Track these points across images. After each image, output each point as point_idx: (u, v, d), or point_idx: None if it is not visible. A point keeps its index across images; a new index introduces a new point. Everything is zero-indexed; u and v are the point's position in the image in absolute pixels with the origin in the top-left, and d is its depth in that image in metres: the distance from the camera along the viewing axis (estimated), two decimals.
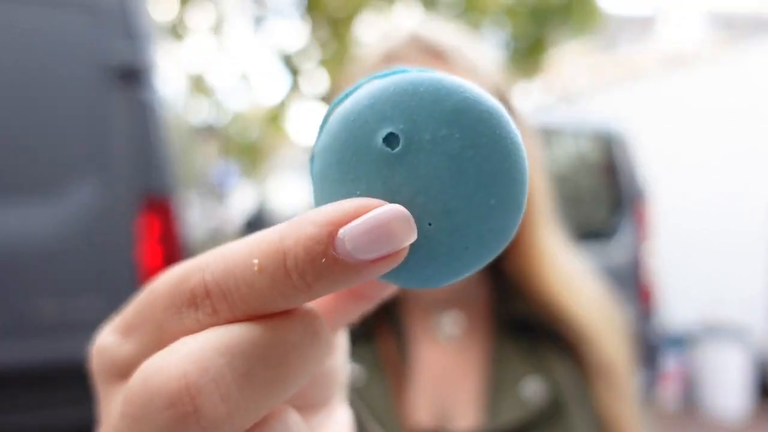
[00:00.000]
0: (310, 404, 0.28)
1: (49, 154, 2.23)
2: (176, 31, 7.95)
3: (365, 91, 0.22)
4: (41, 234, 2.19)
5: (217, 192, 6.48)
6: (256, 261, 0.19)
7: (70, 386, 2.19)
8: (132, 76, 2.27)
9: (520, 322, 0.73)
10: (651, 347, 3.30)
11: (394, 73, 0.23)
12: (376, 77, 0.23)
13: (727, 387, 4.28)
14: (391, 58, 0.68)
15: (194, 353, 0.19)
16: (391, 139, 0.21)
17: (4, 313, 2.15)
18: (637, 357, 0.78)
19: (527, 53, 8.24)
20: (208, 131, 6.27)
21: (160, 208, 2.29)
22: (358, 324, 0.69)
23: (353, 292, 0.26)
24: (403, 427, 0.65)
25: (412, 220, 0.20)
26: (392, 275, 0.22)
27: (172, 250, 2.29)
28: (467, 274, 0.22)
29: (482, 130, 0.21)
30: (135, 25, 2.29)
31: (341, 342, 0.29)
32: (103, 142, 2.25)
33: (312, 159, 0.24)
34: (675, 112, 4.98)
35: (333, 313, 0.26)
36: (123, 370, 0.23)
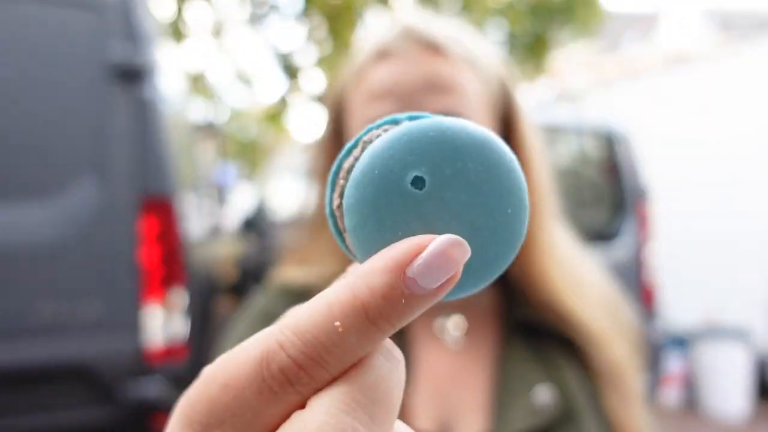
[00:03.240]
0: None
1: (49, 154, 2.22)
2: (176, 30, 7.94)
3: (381, 143, 0.25)
4: (41, 234, 2.18)
5: (216, 192, 6.48)
6: (337, 323, 0.21)
7: (70, 386, 2.20)
8: (132, 76, 2.26)
9: (527, 325, 0.71)
10: (653, 348, 3.29)
11: (387, 122, 0.27)
12: (372, 128, 0.27)
13: (728, 387, 4.27)
14: (385, 53, 0.66)
15: (323, 423, 0.20)
16: (416, 181, 0.25)
17: (3, 313, 2.14)
18: (640, 358, 0.77)
19: (529, 52, 8.23)
20: (208, 131, 6.28)
21: (159, 209, 2.28)
22: None
23: None
24: None
25: (465, 242, 0.22)
26: None
27: (172, 250, 2.28)
28: (495, 276, 0.26)
29: (488, 155, 0.25)
30: (136, 25, 2.27)
31: None
32: (103, 142, 2.24)
33: (334, 215, 0.27)
34: (676, 111, 4.98)
35: None
36: None
